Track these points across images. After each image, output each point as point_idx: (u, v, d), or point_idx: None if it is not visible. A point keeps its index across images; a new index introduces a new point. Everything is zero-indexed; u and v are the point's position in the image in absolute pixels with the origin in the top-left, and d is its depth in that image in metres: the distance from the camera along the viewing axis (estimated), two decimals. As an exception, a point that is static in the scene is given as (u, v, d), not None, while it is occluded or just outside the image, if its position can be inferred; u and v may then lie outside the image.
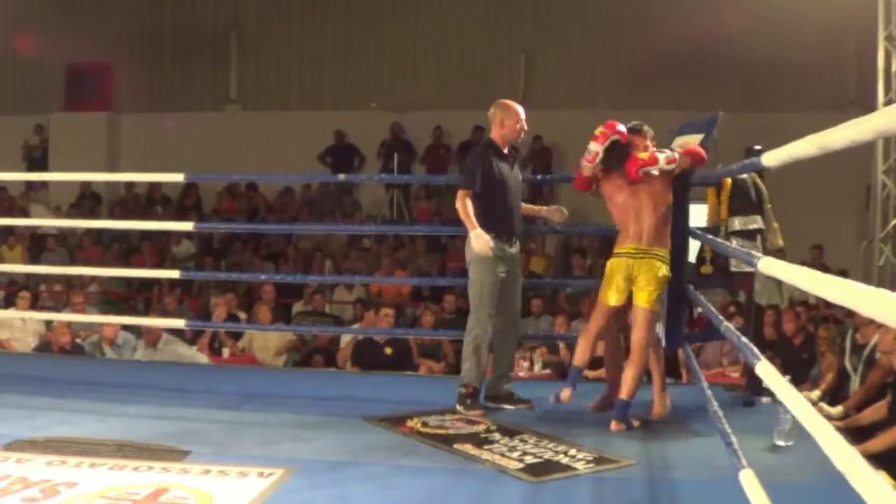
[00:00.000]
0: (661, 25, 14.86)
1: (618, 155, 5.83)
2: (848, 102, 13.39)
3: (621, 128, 5.84)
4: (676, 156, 5.82)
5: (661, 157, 5.77)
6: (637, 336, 5.76)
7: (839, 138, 2.41)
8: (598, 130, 5.83)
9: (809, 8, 13.48)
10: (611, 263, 5.88)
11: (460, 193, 6.04)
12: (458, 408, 6.02)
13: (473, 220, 5.94)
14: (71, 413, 5.78)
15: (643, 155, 5.78)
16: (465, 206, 5.99)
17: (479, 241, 5.90)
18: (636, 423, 5.67)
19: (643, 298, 5.73)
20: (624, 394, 5.68)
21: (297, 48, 16.76)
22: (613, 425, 5.61)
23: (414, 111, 15.97)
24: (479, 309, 6.10)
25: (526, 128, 6.24)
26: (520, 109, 6.21)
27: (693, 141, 6.30)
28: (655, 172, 5.75)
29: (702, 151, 5.96)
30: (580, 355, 5.96)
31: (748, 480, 3.58)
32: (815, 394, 7.27)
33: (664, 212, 5.83)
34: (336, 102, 16.41)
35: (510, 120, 6.16)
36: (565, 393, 5.79)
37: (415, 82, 16.22)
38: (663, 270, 5.75)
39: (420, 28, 16.28)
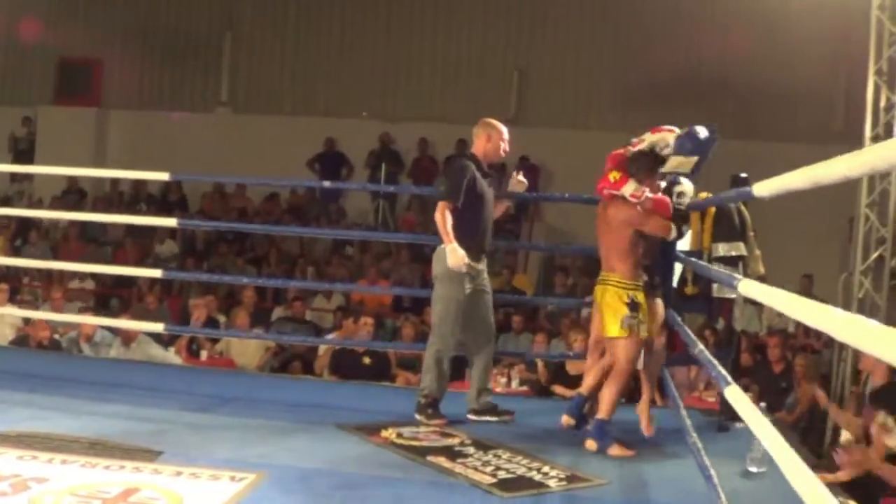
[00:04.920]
0: (655, 50, 14.95)
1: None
2: (835, 135, 13.44)
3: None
4: (646, 195, 5.76)
5: (629, 188, 5.71)
6: (614, 361, 5.74)
7: (831, 172, 2.42)
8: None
9: (801, 39, 13.56)
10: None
11: (441, 205, 6.04)
12: (419, 417, 6.07)
13: (451, 233, 5.96)
14: (45, 409, 5.75)
15: (613, 176, 5.75)
16: (444, 219, 5.99)
17: (454, 255, 5.93)
18: (624, 452, 5.58)
19: (607, 329, 5.71)
20: (600, 412, 5.67)
21: (290, 53, 16.76)
22: (588, 443, 5.59)
23: (405, 122, 15.98)
24: (443, 325, 6.14)
25: (508, 149, 6.31)
26: (504, 130, 6.27)
27: (687, 163, 6.30)
28: (621, 194, 5.70)
29: (668, 208, 5.91)
30: (587, 384, 5.98)
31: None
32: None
33: (626, 242, 5.70)
34: (327, 109, 16.41)
35: (496, 138, 6.22)
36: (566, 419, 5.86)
37: (407, 93, 16.23)
38: (622, 296, 5.65)
39: (416, 40, 16.30)
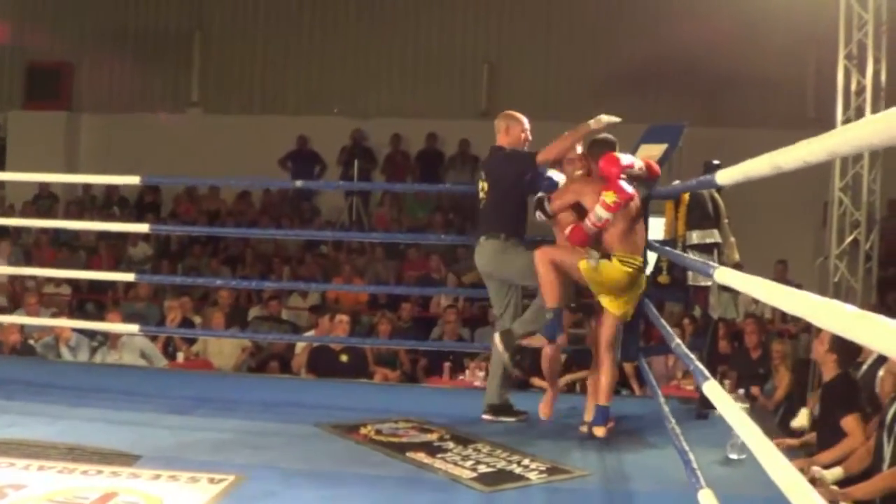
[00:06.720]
0: (625, 39, 14.96)
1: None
2: (807, 120, 13.49)
3: (627, 161, 5.64)
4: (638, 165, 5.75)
5: (629, 189, 5.55)
6: (605, 339, 5.75)
7: (792, 158, 2.42)
8: (612, 199, 5.45)
9: (771, 25, 13.59)
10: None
11: (539, 155, 5.97)
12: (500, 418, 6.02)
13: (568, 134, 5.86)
14: (21, 415, 5.71)
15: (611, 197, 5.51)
16: (551, 145, 5.92)
17: (599, 120, 5.80)
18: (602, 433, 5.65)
19: (612, 304, 5.71)
20: (602, 399, 5.67)
21: (260, 52, 16.66)
22: (598, 431, 5.60)
23: (377, 118, 15.94)
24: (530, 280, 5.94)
25: (530, 137, 6.25)
26: (524, 119, 6.23)
27: (656, 151, 6.30)
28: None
29: (656, 168, 5.97)
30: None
31: (707, 500, 3.60)
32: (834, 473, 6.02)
33: (630, 218, 5.71)
34: (298, 107, 16.34)
35: (515, 129, 6.19)
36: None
37: (378, 89, 16.17)
38: (631, 274, 5.66)
39: (385, 36, 16.22)
